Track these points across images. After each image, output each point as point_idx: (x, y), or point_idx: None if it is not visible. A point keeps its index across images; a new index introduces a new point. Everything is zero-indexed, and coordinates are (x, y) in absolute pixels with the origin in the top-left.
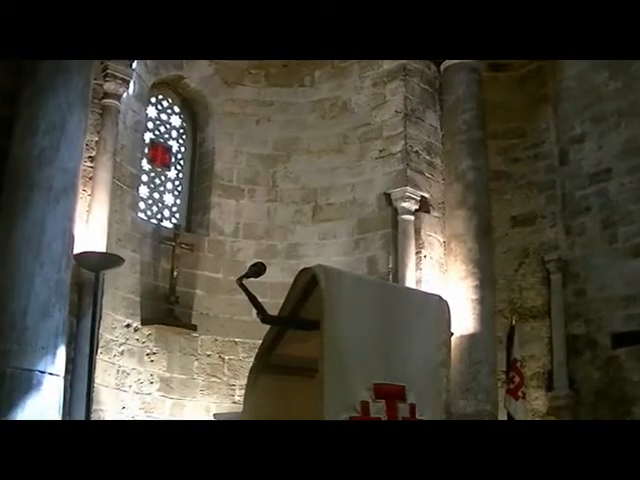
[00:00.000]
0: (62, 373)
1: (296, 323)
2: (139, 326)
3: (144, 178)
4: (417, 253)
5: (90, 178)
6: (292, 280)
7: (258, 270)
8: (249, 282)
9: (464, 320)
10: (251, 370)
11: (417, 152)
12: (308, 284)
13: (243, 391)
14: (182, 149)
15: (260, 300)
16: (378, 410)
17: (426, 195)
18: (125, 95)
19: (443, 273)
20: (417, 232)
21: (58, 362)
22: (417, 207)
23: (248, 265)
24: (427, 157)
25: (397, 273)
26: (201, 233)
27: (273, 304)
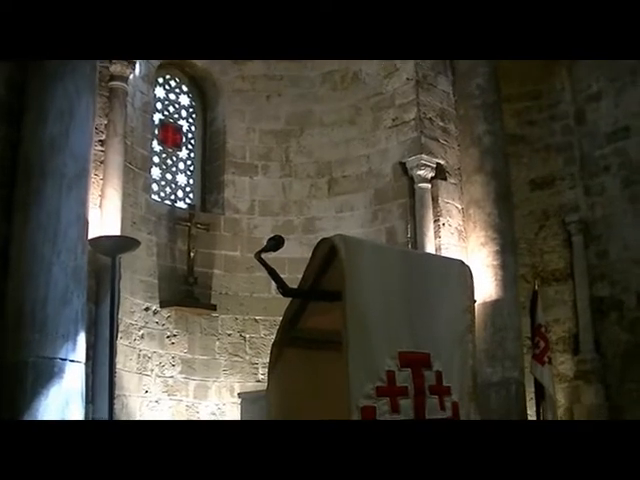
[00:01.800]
0: (83, 360)
1: (317, 295)
2: (158, 309)
3: (155, 159)
4: (435, 221)
5: (101, 162)
6: (310, 254)
7: (277, 243)
8: (267, 257)
9: (486, 286)
10: (274, 345)
11: (430, 119)
12: (328, 255)
13: (266, 369)
14: (192, 128)
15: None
16: (404, 379)
17: (442, 162)
18: (132, 77)
19: (463, 240)
20: (434, 200)
21: (79, 349)
22: (433, 175)
23: (265, 242)
24: (441, 123)
25: (416, 242)
26: (216, 212)
27: (292, 279)
